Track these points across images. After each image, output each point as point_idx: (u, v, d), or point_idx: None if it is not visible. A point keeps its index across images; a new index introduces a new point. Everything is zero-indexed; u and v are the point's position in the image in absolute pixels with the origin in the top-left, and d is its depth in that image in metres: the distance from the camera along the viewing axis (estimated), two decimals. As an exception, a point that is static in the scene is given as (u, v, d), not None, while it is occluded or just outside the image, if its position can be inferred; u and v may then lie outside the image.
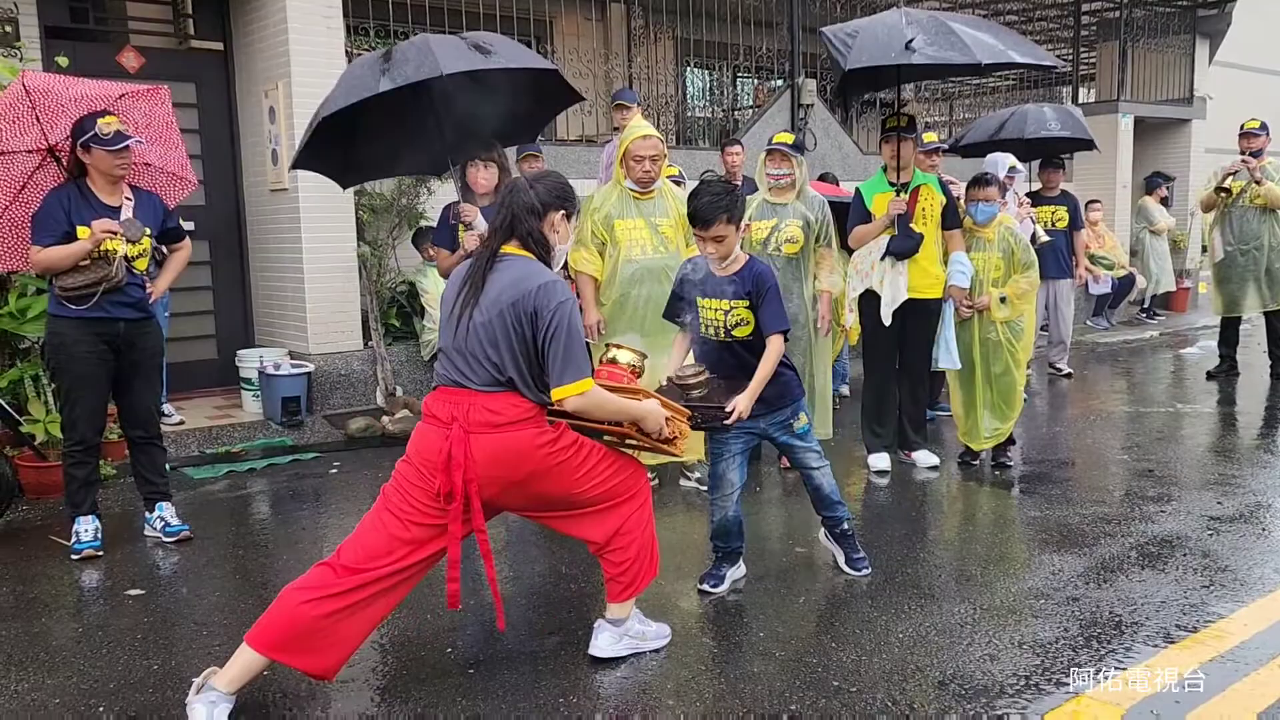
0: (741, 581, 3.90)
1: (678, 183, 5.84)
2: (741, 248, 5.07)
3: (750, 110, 11.53)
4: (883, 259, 5.23)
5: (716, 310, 3.68)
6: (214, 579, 4.10)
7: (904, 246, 5.15)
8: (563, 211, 3.05)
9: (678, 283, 3.85)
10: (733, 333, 3.67)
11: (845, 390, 7.40)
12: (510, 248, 2.99)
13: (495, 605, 3.08)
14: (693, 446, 5.08)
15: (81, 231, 4.08)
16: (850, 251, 5.47)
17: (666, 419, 3.11)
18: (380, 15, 7.59)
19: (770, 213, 5.16)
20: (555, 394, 2.89)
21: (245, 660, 2.83)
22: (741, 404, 3.48)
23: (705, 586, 3.81)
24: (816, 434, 5.21)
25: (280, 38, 6.60)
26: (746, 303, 3.64)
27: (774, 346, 3.61)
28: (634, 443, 3.16)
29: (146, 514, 4.56)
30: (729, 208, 3.55)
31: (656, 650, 3.28)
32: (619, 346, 3.27)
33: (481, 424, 2.87)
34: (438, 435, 2.90)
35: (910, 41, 4.82)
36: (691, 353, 3.83)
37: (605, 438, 3.14)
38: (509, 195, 3.02)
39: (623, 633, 3.23)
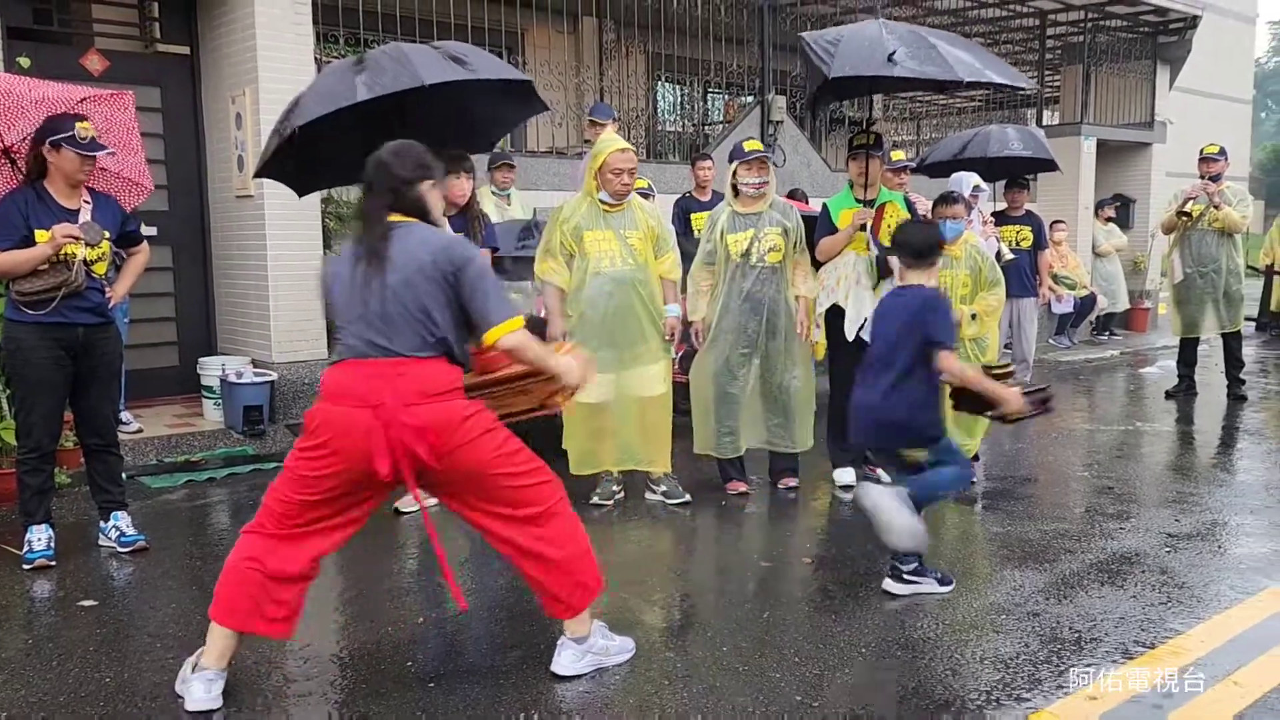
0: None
1: (646, 196, 5.86)
2: (716, 261, 5.11)
3: (720, 125, 11.60)
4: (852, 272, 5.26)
5: None
6: (169, 590, 4.03)
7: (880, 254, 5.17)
8: (429, 181, 3.05)
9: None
10: None
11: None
12: (396, 217, 2.98)
13: (450, 586, 3.14)
14: (660, 459, 5.08)
15: (40, 235, 4.01)
16: (818, 266, 5.49)
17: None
18: (350, 23, 7.56)
19: (745, 224, 5.10)
20: (491, 335, 2.91)
21: (218, 636, 2.97)
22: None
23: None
24: (798, 443, 5.24)
25: (248, 43, 6.55)
26: None
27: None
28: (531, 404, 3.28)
29: (101, 523, 4.48)
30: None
31: (620, 664, 3.26)
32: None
33: (416, 394, 2.83)
34: (363, 416, 2.81)
35: (892, 54, 4.84)
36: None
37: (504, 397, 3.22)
38: (378, 171, 3.00)
39: (586, 649, 3.20)
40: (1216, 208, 7.77)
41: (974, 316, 5.30)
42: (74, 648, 3.42)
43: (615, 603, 3.82)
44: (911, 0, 11.68)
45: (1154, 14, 12.77)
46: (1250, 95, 19.04)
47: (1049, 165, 8.55)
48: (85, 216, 4.15)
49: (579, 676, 3.16)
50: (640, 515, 5.02)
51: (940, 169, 8.18)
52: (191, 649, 3.37)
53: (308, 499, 2.92)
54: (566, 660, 3.18)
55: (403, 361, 2.84)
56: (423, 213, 3.03)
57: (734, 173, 5.13)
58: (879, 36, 5.00)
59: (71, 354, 4.17)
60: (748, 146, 5.13)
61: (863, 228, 5.19)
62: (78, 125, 4.01)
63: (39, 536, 4.22)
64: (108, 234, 4.19)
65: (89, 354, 4.22)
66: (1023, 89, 5.51)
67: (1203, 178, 7.86)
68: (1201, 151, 7.94)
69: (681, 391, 6.67)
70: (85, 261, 4.11)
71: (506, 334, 2.92)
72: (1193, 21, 12.97)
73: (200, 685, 2.93)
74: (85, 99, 4.32)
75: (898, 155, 6.70)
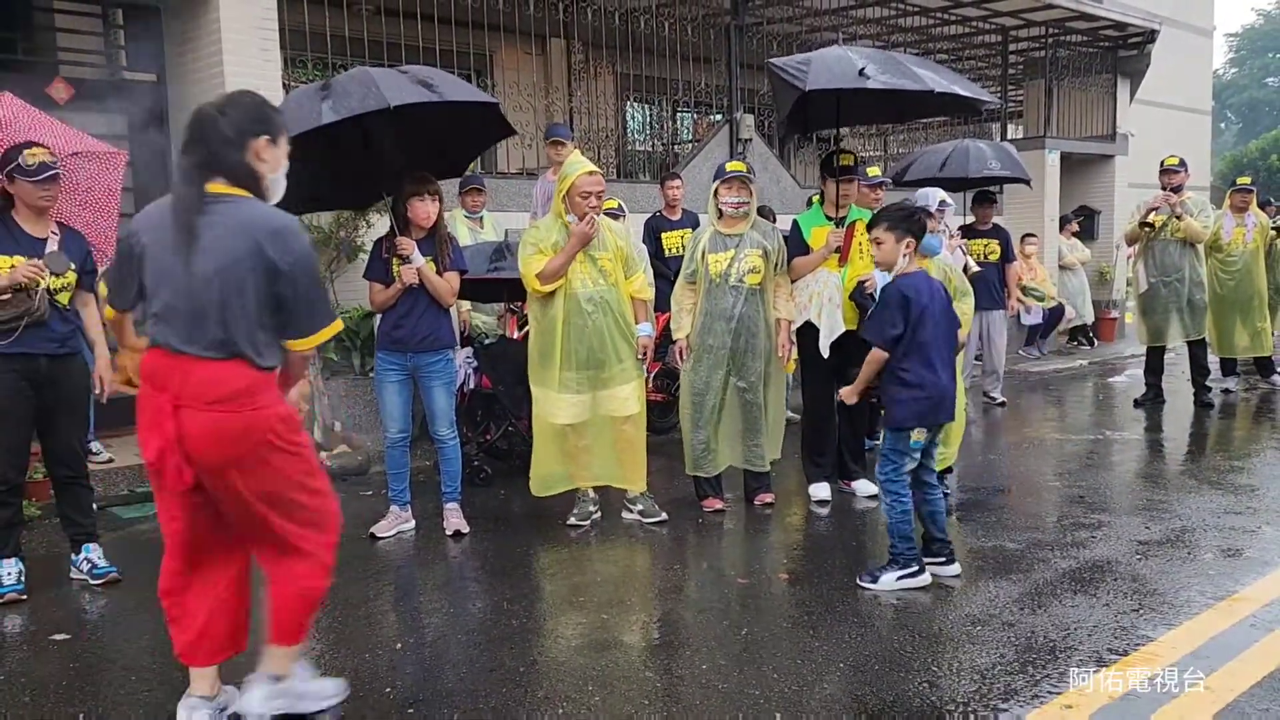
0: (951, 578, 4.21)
1: (616, 216, 5.88)
2: (697, 280, 5.12)
3: (690, 144, 11.68)
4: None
5: None
6: (143, 622, 3.97)
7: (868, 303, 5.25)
8: (265, 136, 2.73)
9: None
10: None
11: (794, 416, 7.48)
12: (219, 186, 2.67)
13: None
14: (636, 478, 5.09)
15: (2, 261, 3.99)
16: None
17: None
18: (318, 48, 7.56)
19: (725, 244, 5.10)
20: (313, 340, 2.76)
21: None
22: (845, 393, 4.28)
23: (863, 581, 4.12)
24: (768, 456, 5.28)
25: (215, 69, 6.53)
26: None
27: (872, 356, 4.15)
28: None
29: (72, 555, 4.42)
30: (894, 219, 4.13)
31: (321, 712, 3.01)
32: None
33: (198, 397, 2.61)
34: (152, 404, 2.66)
35: (863, 69, 4.96)
36: None
37: None
38: (197, 127, 2.68)
39: (280, 690, 2.90)
40: (1178, 218, 7.90)
41: None
42: (46, 683, 3.37)
43: (594, 623, 3.82)
44: (876, 19, 11.83)
45: (1113, 29, 13.00)
46: (1209, 106, 19.38)
47: (1021, 179, 8.72)
48: (52, 246, 4.13)
49: (552, 698, 3.15)
50: (617, 534, 5.01)
51: (920, 185, 8.27)
52: (166, 681, 3.35)
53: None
54: (255, 700, 2.87)
55: (192, 361, 2.62)
56: (252, 181, 2.68)
57: (715, 192, 5.15)
58: (846, 56, 5.14)
59: (35, 385, 4.12)
60: (729, 167, 5.15)
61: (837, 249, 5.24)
62: (24, 153, 3.99)
63: (9, 570, 4.16)
64: (73, 265, 4.17)
65: (53, 385, 4.17)
66: (987, 104, 5.63)
67: (1164, 189, 8.00)
68: (1162, 163, 8.09)
69: (656, 410, 6.69)
70: (49, 291, 4.08)
71: (326, 339, 2.80)
72: (1151, 35, 13.22)
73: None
74: (75, 154, 4.29)
75: (874, 171, 6.74)
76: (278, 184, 2.80)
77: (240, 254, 2.60)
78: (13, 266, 4.02)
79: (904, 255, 4.11)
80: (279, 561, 2.86)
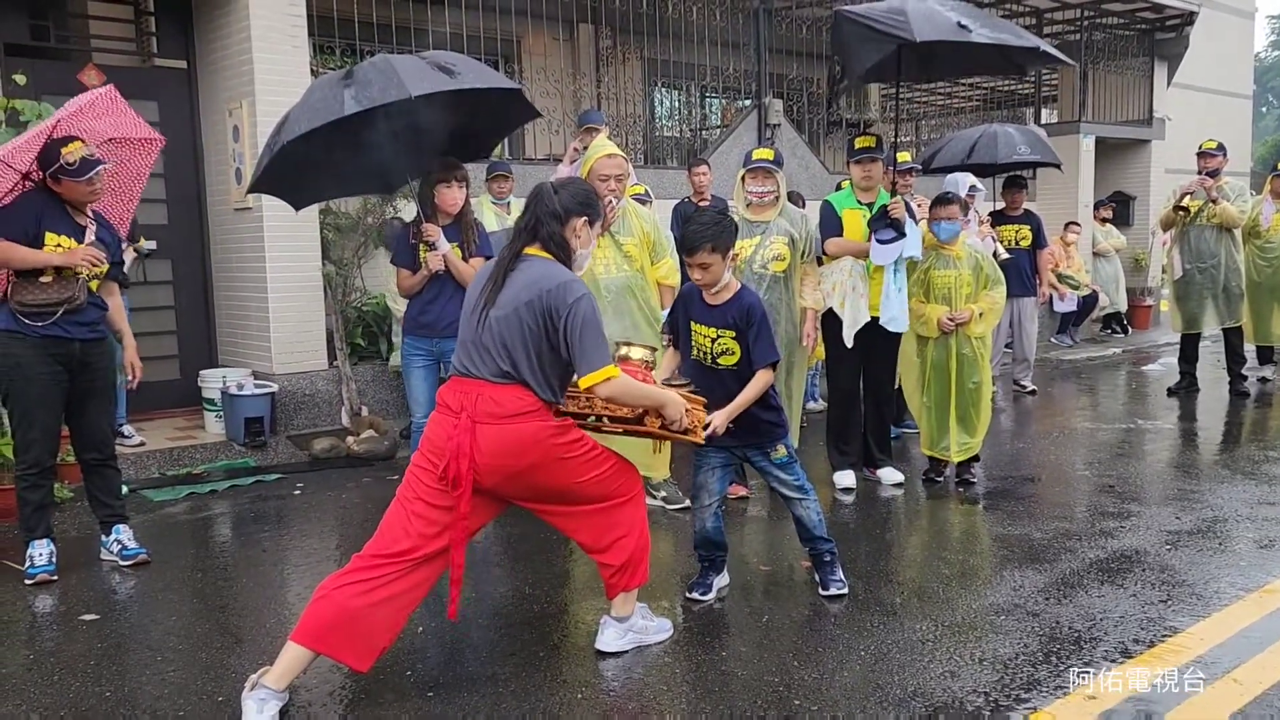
0: (725, 590, 3.99)
1: (643, 201, 5.86)
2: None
3: (718, 130, 11.61)
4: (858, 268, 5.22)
5: (704, 337, 3.78)
6: (171, 603, 4.04)
7: (889, 235, 5.10)
8: (585, 218, 3.17)
9: (675, 303, 3.98)
10: (718, 360, 3.76)
11: (818, 404, 7.46)
12: (533, 249, 3.12)
13: (451, 594, 3.11)
14: (659, 465, 5.08)
15: (50, 237, 4.04)
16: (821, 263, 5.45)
17: (686, 409, 3.26)
18: (346, 34, 7.58)
19: (752, 231, 5.04)
20: (584, 382, 3.02)
21: (291, 656, 2.92)
22: (717, 420, 3.56)
23: (695, 595, 3.89)
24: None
25: (244, 56, 6.58)
26: (733, 333, 3.71)
27: (762, 378, 3.69)
28: (657, 435, 3.32)
29: (103, 537, 4.49)
30: (714, 237, 3.63)
31: (660, 643, 3.45)
32: (629, 344, 3.41)
33: (487, 414, 2.99)
34: (447, 423, 3.02)
35: (960, 22, 4.75)
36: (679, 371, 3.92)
37: (625, 435, 3.36)
38: (535, 199, 3.15)
39: (627, 628, 3.39)
40: (1214, 203, 7.76)
41: (980, 315, 5.33)
42: (75, 662, 3.43)
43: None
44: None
45: (1150, 10, 12.77)
46: (1250, 90, 18.97)
47: (1052, 164, 8.60)
48: (90, 236, 4.17)
49: (576, 682, 3.17)
50: (641, 521, 5.00)
51: (948, 172, 8.18)
52: (193, 662, 3.40)
53: (407, 508, 3.04)
54: (609, 638, 3.36)
55: (483, 384, 3.02)
56: (560, 249, 3.12)
57: (741, 179, 5.10)
58: (934, 8, 4.84)
59: (68, 369, 4.18)
60: (756, 155, 5.09)
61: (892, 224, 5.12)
62: (63, 151, 4.01)
63: (40, 551, 4.24)
64: (107, 259, 4.23)
65: (85, 369, 4.23)
66: (1070, 64, 5.58)
67: (1201, 173, 7.86)
68: (1200, 147, 7.94)
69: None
70: (84, 280, 4.14)
71: (600, 383, 3.01)
72: (1190, 18, 12.96)
73: (254, 704, 2.88)
74: (113, 139, 4.32)
75: (904, 157, 6.65)
76: (584, 258, 3.24)
77: (522, 302, 3.00)
78: (58, 245, 4.07)
79: (728, 269, 3.72)
80: (611, 525, 3.27)
